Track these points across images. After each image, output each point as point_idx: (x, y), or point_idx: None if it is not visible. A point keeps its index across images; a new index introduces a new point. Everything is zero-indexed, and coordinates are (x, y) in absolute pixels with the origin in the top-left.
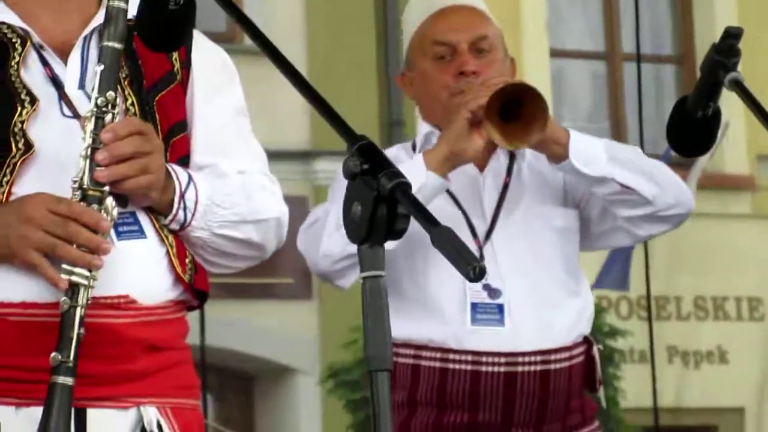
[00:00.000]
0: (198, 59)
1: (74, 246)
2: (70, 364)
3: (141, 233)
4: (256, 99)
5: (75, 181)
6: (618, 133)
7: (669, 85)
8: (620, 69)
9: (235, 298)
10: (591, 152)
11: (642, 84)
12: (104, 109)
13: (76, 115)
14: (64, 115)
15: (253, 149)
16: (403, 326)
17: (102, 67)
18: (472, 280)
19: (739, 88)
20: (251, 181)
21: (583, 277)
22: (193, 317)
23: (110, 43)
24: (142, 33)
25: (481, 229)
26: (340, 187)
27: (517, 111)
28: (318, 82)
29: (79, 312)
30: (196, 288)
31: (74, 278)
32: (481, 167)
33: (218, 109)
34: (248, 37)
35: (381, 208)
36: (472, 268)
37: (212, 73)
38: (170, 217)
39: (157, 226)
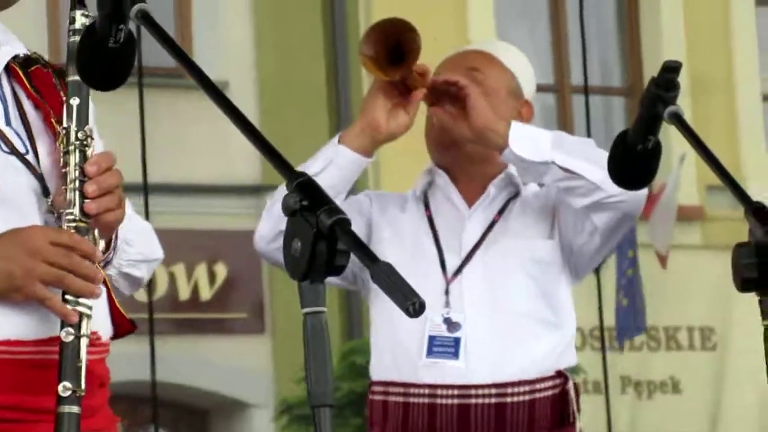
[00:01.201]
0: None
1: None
2: (81, 393)
3: None
4: (208, 134)
5: (69, 213)
6: None
7: (618, 117)
8: (569, 101)
9: (187, 333)
10: (532, 140)
11: (591, 116)
12: (85, 142)
13: (13, 152)
14: (3, 151)
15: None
16: (377, 365)
17: (78, 100)
18: (411, 316)
19: (679, 121)
20: (143, 221)
21: (568, 311)
22: (143, 353)
23: (78, 78)
24: (82, 71)
25: (452, 265)
26: None
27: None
28: (268, 115)
29: (84, 342)
30: (132, 321)
31: (80, 308)
32: (470, 203)
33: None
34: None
35: (321, 244)
36: (411, 303)
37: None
38: (106, 254)
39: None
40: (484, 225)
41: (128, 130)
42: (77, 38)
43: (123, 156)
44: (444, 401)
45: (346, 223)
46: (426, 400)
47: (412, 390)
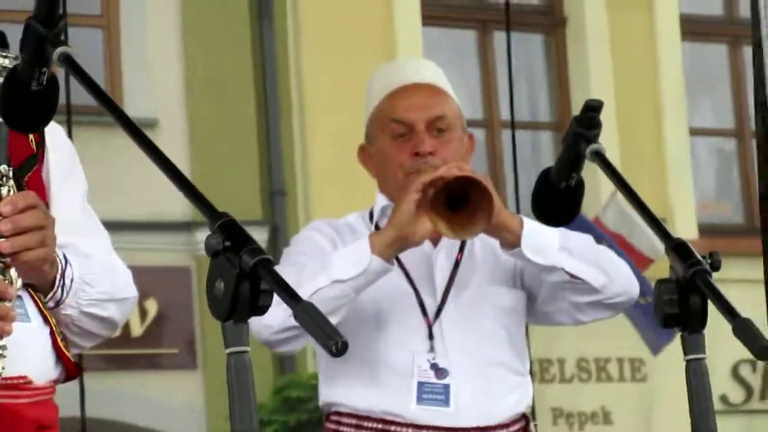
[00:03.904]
0: (50, 141)
1: None
2: None
3: (26, 317)
4: (138, 170)
5: None
6: None
7: (546, 151)
8: (498, 136)
9: (119, 369)
10: (542, 241)
11: (520, 150)
12: (0, 181)
13: None
14: None
15: (102, 230)
16: (349, 395)
17: None
18: (334, 355)
19: (600, 159)
20: (112, 260)
21: (527, 357)
22: (72, 389)
23: None
24: (5, 114)
25: (431, 307)
26: (288, 256)
27: (464, 201)
28: (199, 153)
29: None
30: (77, 364)
31: None
32: (435, 242)
33: (72, 191)
34: (117, 111)
35: (244, 284)
36: (334, 343)
37: (64, 155)
38: (50, 294)
39: (40, 305)
40: (451, 263)
41: None
42: None
43: None
44: None
45: (269, 263)
46: None
47: (393, 428)
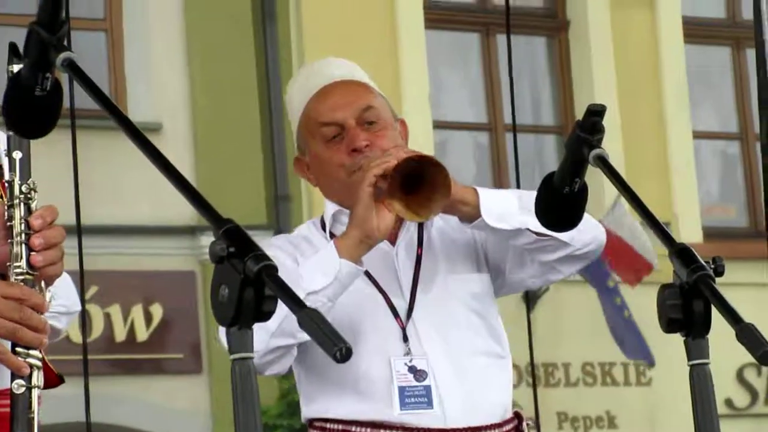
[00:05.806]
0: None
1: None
2: None
3: None
4: (142, 175)
5: (17, 266)
6: None
7: (550, 155)
8: (503, 139)
9: (124, 373)
10: (502, 206)
11: (525, 153)
12: (29, 195)
13: None
14: None
15: None
16: (332, 407)
17: (20, 154)
18: (339, 361)
19: (603, 164)
20: (65, 274)
21: (505, 338)
22: (77, 394)
23: None
24: (9, 119)
25: (401, 309)
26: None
27: (419, 182)
28: (203, 158)
29: (35, 393)
30: (59, 375)
31: (30, 360)
32: (393, 240)
33: None
34: (124, 118)
35: (248, 290)
36: (338, 349)
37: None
38: None
39: None
40: (412, 260)
41: (61, 172)
42: None
43: (56, 198)
44: None
45: (273, 269)
46: None
47: (382, 431)
